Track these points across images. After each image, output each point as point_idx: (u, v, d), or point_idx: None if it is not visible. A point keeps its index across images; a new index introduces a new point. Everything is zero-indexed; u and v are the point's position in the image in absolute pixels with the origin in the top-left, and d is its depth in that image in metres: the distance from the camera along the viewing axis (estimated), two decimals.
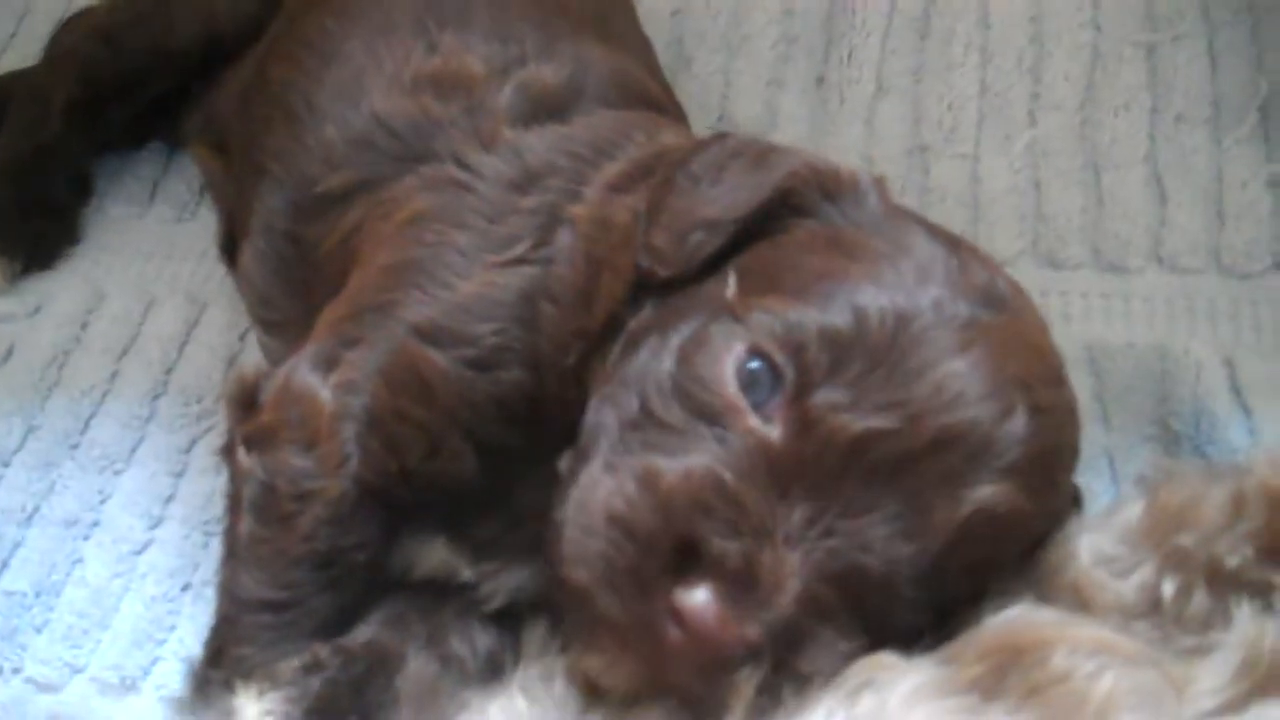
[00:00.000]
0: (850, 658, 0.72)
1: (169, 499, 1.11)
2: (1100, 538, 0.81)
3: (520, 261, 0.88)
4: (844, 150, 1.30)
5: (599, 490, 0.74)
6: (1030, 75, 1.35)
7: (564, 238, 0.88)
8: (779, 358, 0.73)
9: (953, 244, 0.81)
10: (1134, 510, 0.82)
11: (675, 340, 0.78)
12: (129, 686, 1.00)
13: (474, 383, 0.85)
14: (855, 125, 1.33)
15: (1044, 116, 1.32)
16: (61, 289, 1.28)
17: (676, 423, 0.74)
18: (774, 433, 0.72)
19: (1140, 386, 1.12)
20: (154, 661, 1.01)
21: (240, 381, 0.94)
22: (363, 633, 0.85)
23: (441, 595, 0.90)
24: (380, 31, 1.03)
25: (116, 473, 1.13)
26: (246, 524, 0.87)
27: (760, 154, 0.85)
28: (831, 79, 1.37)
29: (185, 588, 1.04)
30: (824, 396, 0.72)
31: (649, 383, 0.77)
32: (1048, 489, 0.78)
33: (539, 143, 0.94)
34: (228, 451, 0.91)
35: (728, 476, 0.71)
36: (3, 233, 1.29)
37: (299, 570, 0.85)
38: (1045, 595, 0.79)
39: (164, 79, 1.29)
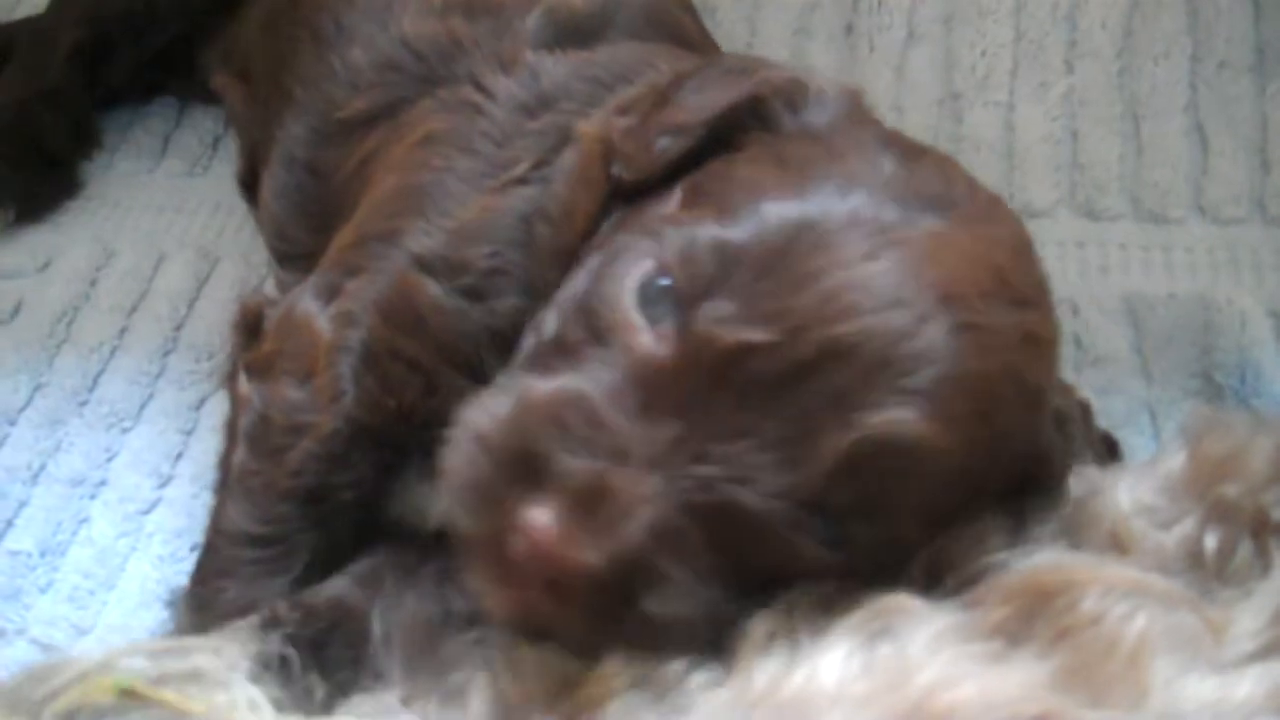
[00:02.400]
0: (713, 607, 0.66)
1: (178, 457, 1.08)
2: (1141, 487, 0.77)
3: (518, 182, 0.85)
4: (874, 98, 1.25)
5: (477, 409, 0.69)
6: (1066, 22, 1.31)
7: (568, 157, 0.84)
8: (675, 271, 0.67)
9: (912, 153, 0.74)
10: (1176, 460, 0.78)
11: (598, 259, 0.74)
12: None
13: (468, 313, 0.82)
14: (885, 73, 1.30)
15: (1081, 64, 1.28)
16: (71, 244, 1.25)
17: (574, 344, 0.70)
18: (661, 351, 0.66)
19: (1182, 339, 1.09)
20: (161, 623, 0.98)
21: (245, 309, 0.93)
22: (329, 588, 0.82)
23: (424, 555, 0.86)
24: None
25: (125, 430, 1.10)
26: (239, 454, 0.86)
27: (745, 67, 0.82)
28: (861, 27, 1.33)
29: (193, 548, 1.01)
30: (706, 310, 0.65)
31: (567, 302, 0.73)
32: (978, 423, 0.67)
33: (558, 67, 0.91)
34: (230, 379, 0.90)
35: (593, 393, 0.66)
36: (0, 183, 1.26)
37: (285, 505, 0.83)
38: (1080, 544, 0.75)
39: (173, 21, 1.26)
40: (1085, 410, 0.99)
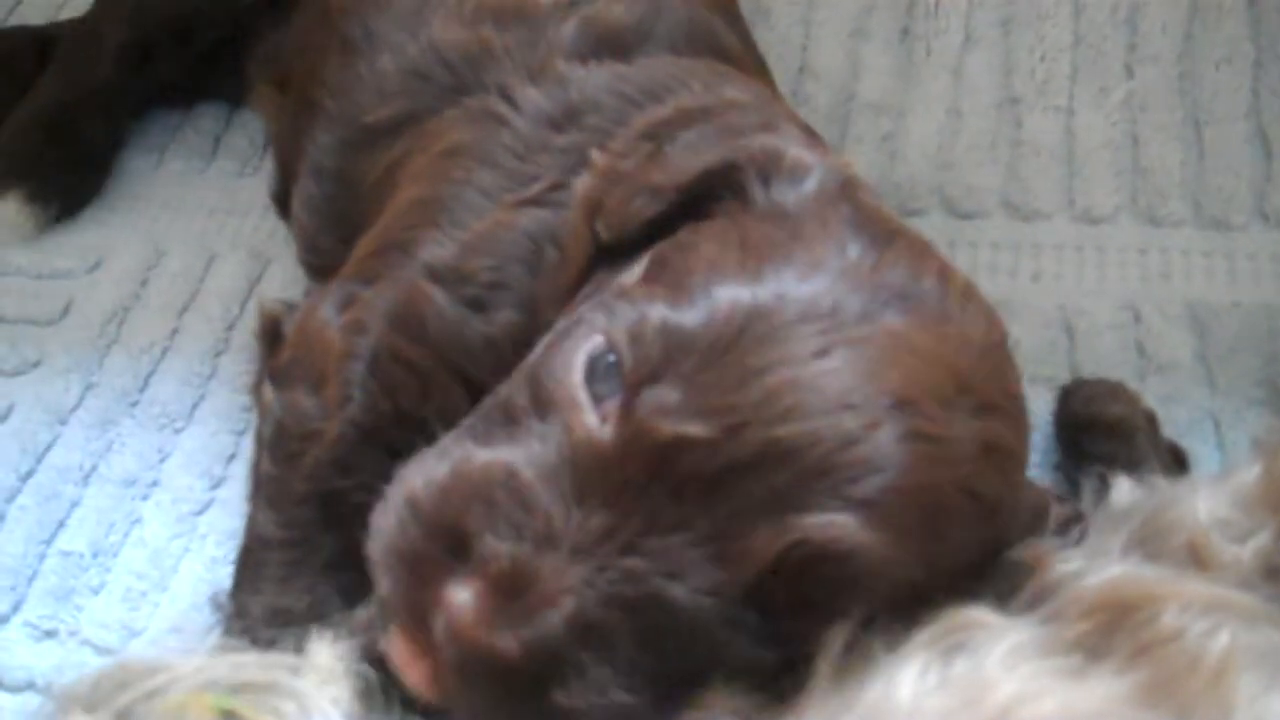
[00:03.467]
0: (630, 702, 0.64)
1: (231, 458, 1.07)
2: (1215, 500, 0.76)
3: (533, 202, 0.84)
4: (931, 102, 1.25)
5: (414, 469, 0.69)
6: (1126, 26, 1.30)
7: (580, 184, 0.83)
8: (622, 351, 0.65)
9: (883, 239, 0.70)
10: (1250, 474, 0.76)
11: (563, 325, 0.72)
12: (190, 650, 0.96)
13: (467, 321, 0.82)
14: (943, 77, 1.28)
15: (1141, 69, 1.27)
16: (121, 245, 1.24)
17: (518, 414, 0.68)
18: (600, 434, 0.64)
19: (1246, 347, 1.07)
20: (215, 624, 0.97)
21: (264, 316, 0.93)
22: None
23: None
24: None
25: (177, 431, 1.09)
26: (264, 461, 0.87)
27: (741, 130, 0.79)
28: (917, 30, 1.32)
29: None
30: (648, 396, 0.63)
31: (523, 369, 0.72)
32: (925, 535, 0.64)
33: (590, 79, 0.89)
34: (256, 387, 0.90)
35: (526, 474, 0.64)
36: (40, 178, 1.26)
37: (303, 509, 0.84)
38: (1156, 556, 0.74)
39: (219, 24, 1.26)
40: (1151, 420, 0.98)
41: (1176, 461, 0.95)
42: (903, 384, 0.63)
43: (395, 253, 0.87)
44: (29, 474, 1.08)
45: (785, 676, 0.65)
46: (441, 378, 0.82)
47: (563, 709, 0.62)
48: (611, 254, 0.76)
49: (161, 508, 1.05)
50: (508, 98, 0.90)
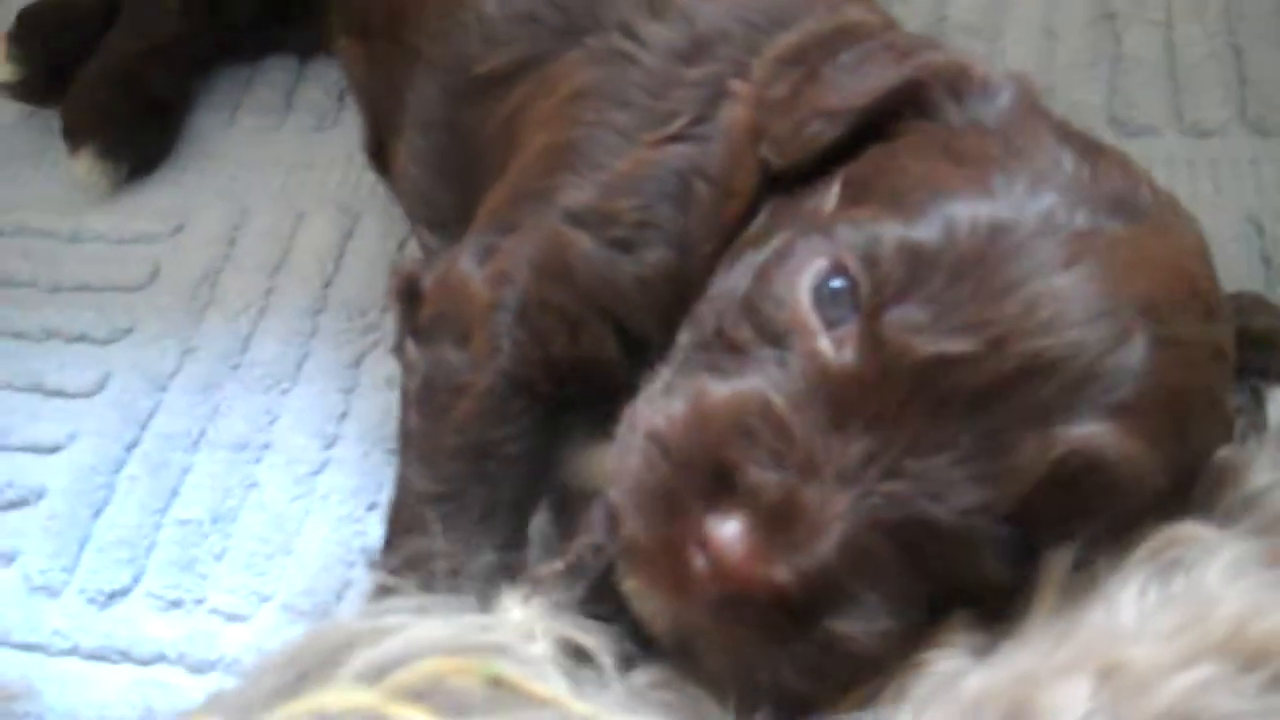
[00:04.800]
0: (893, 626, 0.63)
1: (342, 416, 1.04)
2: None
3: (677, 138, 0.82)
4: (1025, 21, 1.22)
5: (648, 408, 0.67)
6: None
7: (726, 113, 0.81)
8: (856, 273, 0.64)
9: (1091, 150, 0.70)
10: None
11: (762, 255, 0.70)
12: (324, 612, 0.94)
13: (616, 263, 0.80)
14: None
15: None
16: (202, 206, 1.21)
17: (743, 343, 0.67)
18: (843, 357, 0.63)
19: None
20: (346, 585, 0.95)
21: (400, 276, 0.91)
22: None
23: None
24: None
25: (284, 392, 1.07)
26: (412, 417, 0.85)
27: (908, 49, 0.77)
28: None
29: (371, 507, 0.98)
30: (897, 316, 0.62)
31: (727, 300, 0.70)
32: (1174, 440, 0.64)
33: (712, 9, 0.86)
34: (398, 348, 0.89)
35: (779, 401, 0.63)
36: (111, 135, 1.23)
37: (455, 463, 0.82)
38: None
39: None
40: None
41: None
42: (1146, 291, 0.63)
43: (531, 201, 0.84)
44: (134, 443, 1.06)
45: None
46: (592, 322, 0.80)
47: (836, 637, 0.61)
48: (783, 182, 0.74)
49: (276, 470, 1.02)
50: (632, 34, 0.87)
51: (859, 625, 0.61)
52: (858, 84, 0.74)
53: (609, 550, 0.74)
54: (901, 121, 0.71)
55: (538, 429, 0.82)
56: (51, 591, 0.98)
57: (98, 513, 1.02)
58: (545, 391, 0.82)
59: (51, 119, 1.27)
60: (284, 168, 1.24)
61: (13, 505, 1.04)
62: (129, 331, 1.13)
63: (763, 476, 0.60)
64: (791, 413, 0.62)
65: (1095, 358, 0.61)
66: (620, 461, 0.66)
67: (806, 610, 0.60)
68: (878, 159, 0.70)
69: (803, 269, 0.66)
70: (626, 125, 0.84)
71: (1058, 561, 0.65)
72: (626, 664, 0.67)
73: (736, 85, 0.81)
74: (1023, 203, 0.63)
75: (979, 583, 0.64)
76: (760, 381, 0.64)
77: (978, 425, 0.60)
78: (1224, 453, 0.73)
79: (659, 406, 0.66)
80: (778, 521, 0.60)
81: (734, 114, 0.80)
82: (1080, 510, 0.63)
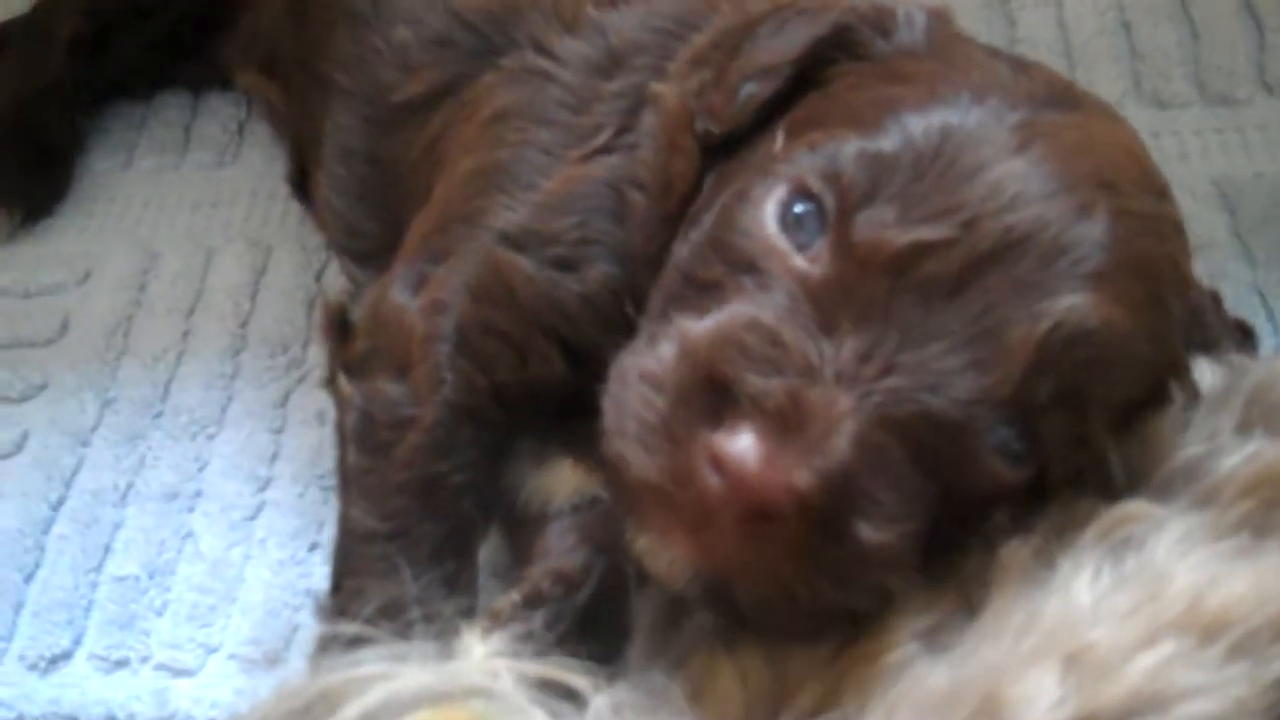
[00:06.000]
0: (918, 532, 0.62)
1: (273, 457, 1.03)
2: None
3: (604, 151, 0.82)
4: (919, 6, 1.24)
5: (633, 359, 0.66)
6: None
7: (648, 119, 0.81)
8: (819, 190, 0.64)
9: (1020, 62, 0.74)
10: None
11: (719, 203, 0.71)
12: (274, 659, 0.92)
13: (559, 283, 0.79)
14: None
15: None
16: (108, 252, 1.19)
17: (718, 279, 0.66)
18: (820, 269, 0.63)
19: (1278, 215, 1.07)
20: (294, 630, 0.93)
21: (328, 309, 0.90)
22: (578, 555, 0.78)
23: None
24: None
25: (210, 437, 1.05)
26: (350, 454, 0.83)
27: (822, 5, 0.78)
28: None
29: (313, 547, 0.97)
30: (866, 218, 0.62)
31: (690, 251, 0.70)
32: (1151, 307, 0.66)
33: (624, 20, 0.86)
34: (330, 383, 0.87)
35: (765, 315, 0.62)
36: (1, 183, 1.21)
37: (400, 499, 0.80)
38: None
39: (175, 6, 1.21)
40: (1216, 300, 0.98)
41: (1246, 337, 0.95)
42: (1100, 167, 0.65)
43: (462, 225, 0.84)
44: (60, 501, 1.03)
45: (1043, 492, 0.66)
46: (539, 343, 0.79)
47: (864, 542, 0.60)
48: (724, 151, 0.75)
49: (211, 518, 1.01)
50: (546, 52, 0.87)
51: (885, 527, 0.60)
52: (785, 41, 0.75)
53: (567, 581, 0.74)
54: (833, 67, 0.73)
55: (486, 457, 0.82)
56: None
57: (29, 576, 0.99)
58: (493, 418, 0.81)
59: None
60: (188, 206, 1.22)
61: None
62: (43, 387, 1.11)
63: (764, 384, 0.59)
64: (779, 323, 0.61)
65: (1062, 230, 0.62)
66: (614, 414, 0.64)
67: (831, 517, 0.59)
68: (816, 102, 0.72)
69: (765, 199, 0.66)
70: (551, 143, 0.83)
71: (1016, 551, 0.66)
72: (595, 689, 0.67)
73: (658, 87, 0.81)
74: (969, 104, 0.65)
75: (984, 484, 0.64)
76: (742, 304, 0.63)
77: (963, 310, 0.61)
78: (1157, 423, 0.75)
79: (645, 354, 0.65)
80: (787, 426, 0.58)
81: (659, 112, 0.80)
82: (1074, 389, 0.63)
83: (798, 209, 0.65)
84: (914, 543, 0.62)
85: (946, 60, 0.71)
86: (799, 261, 0.64)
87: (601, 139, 0.81)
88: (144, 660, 0.94)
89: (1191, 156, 1.13)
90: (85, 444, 1.06)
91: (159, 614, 0.96)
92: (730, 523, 0.58)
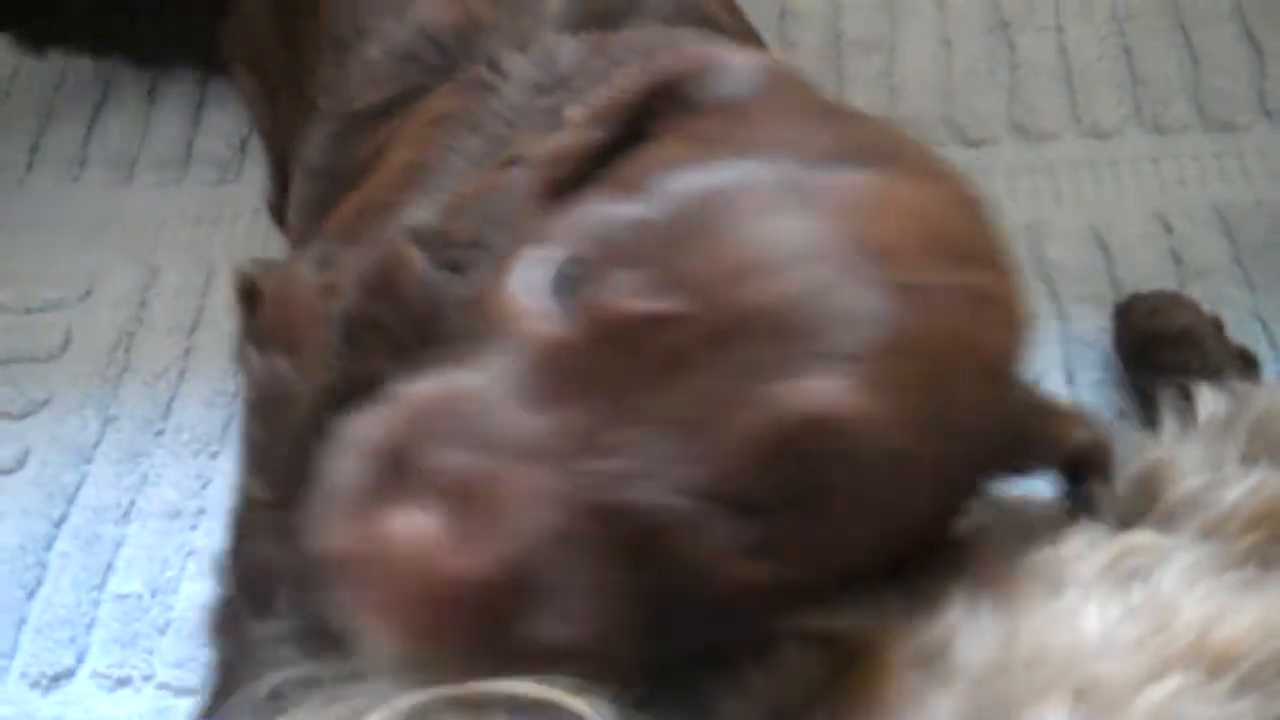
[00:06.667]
0: (622, 623, 0.54)
1: None
2: None
3: (513, 162, 0.80)
4: (920, 35, 1.24)
5: (359, 416, 0.60)
6: None
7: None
8: (572, 253, 0.58)
9: (845, 116, 0.66)
10: None
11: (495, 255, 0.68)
12: None
13: (447, 285, 0.77)
14: (928, 8, 1.27)
15: None
16: (109, 268, 1.19)
17: (463, 333, 0.62)
18: (555, 337, 0.56)
19: (1277, 242, 1.08)
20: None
21: (238, 279, 0.89)
22: None
23: None
24: None
25: (213, 455, 1.05)
26: (249, 423, 0.84)
27: (659, 51, 0.77)
28: None
29: None
30: (610, 285, 0.55)
31: (458, 302, 0.70)
32: (925, 396, 0.55)
33: (577, 46, 0.86)
34: (239, 354, 0.88)
35: (478, 383, 0.56)
36: None
37: (283, 471, 0.79)
38: None
39: None
40: (1217, 325, 0.99)
41: (1248, 365, 0.96)
42: (878, 234, 0.56)
43: (377, 214, 0.84)
44: (62, 519, 1.03)
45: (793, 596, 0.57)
46: (415, 345, 0.75)
47: (545, 640, 0.53)
48: (559, 194, 0.70)
49: (214, 536, 0.99)
50: (496, 66, 0.87)
51: (569, 624, 0.53)
52: (615, 91, 0.71)
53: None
54: (664, 120, 0.67)
55: None
56: None
57: (31, 593, 0.99)
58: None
59: None
60: (189, 222, 1.22)
61: None
62: (45, 404, 1.11)
63: (453, 460, 0.53)
64: (492, 393, 0.55)
65: (814, 304, 0.53)
66: (324, 474, 0.58)
67: (504, 609, 0.53)
68: (631, 157, 0.65)
69: (523, 258, 0.61)
70: (476, 151, 0.83)
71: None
72: None
73: (570, 111, 0.77)
74: (744, 163, 0.58)
75: (714, 581, 0.55)
76: (466, 368, 0.58)
77: (688, 391, 0.53)
78: (1157, 452, 0.75)
79: (368, 413, 0.59)
80: (470, 508, 0.52)
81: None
82: (813, 481, 0.54)
83: (548, 271, 0.59)
84: (615, 640, 0.55)
85: (749, 114, 0.64)
86: (536, 327, 0.57)
87: (514, 151, 0.80)
88: (147, 679, 0.94)
89: (1189, 182, 1.14)
90: (88, 461, 1.06)
91: (161, 632, 0.96)
92: (411, 599, 0.53)
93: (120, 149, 1.28)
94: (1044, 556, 0.68)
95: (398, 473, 0.54)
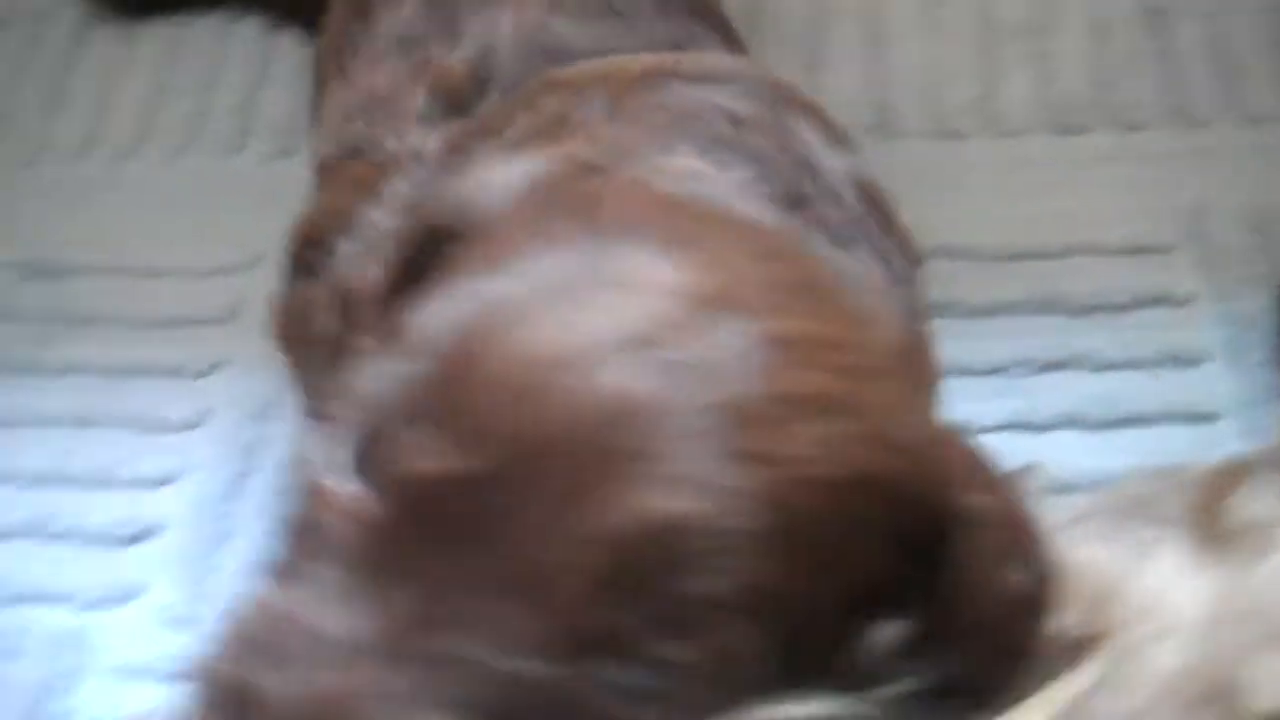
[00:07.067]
0: None
1: None
2: None
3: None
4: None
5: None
6: None
7: None
8: (358, 417, 0.53)
9: (588, 208, 0.57)
10: None
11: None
12: None
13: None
14: None
15: None
16: (279, 234, 1.21)
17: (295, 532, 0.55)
18: (359, 517, 0.50)
19: None
20: None
21: None
22: None
23: None
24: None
25: None
26: None
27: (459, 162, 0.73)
28: None
29: None
30: (400, 448, 0.50)
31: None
32: (769, 468, 0.48)
33: (434, 142, 0.87)
34: None
35: (292, 597, 0.50)
36: None
37: None
38: None
39: None
40: None
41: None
42: (636, 315, 0.50)
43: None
44: (246, 472, 1.08)
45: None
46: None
47: None
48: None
49: None
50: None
51: None
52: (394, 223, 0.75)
53: None
54: (434, 257, 0.61)
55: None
56: (186, 623, 0.99)
57: (222, 542, 1.03)
58: None
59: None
60: None
61: (134, 540, 1.05)
62: (223, 364, 1.14)
63: (285, 688, 0.48)
64: (310, 599, 0.49)
65: (609, 417, 0.48)
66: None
67: None
68: (406, 304, 0.58)
69: (322, 430, 0.56)
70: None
71: None
72: None
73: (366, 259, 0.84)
74: (502, 285, 0.53)
75: None
76: (284, 584, 0.52)
77: (512, 539, 0.47)
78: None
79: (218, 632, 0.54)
80: None
81: None
82: (672, 597, 0.47)
83: (347, 443, 0.54)
84: None
85: (496, 236, 0.58)
86: (341, 508, 0.51)
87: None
88: None
89: None
90: (265, 418, 1.10)
91: None
92: None
93: (283, 120, 1.32)
94: (1249, 513, 0.70)
95: (243, 707, 0.49)
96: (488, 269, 0.54)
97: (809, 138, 0.78)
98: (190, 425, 1.11)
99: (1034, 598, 0.58)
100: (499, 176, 0.62)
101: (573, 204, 0.58)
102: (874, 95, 1.25)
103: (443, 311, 0.52)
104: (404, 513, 0.49)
